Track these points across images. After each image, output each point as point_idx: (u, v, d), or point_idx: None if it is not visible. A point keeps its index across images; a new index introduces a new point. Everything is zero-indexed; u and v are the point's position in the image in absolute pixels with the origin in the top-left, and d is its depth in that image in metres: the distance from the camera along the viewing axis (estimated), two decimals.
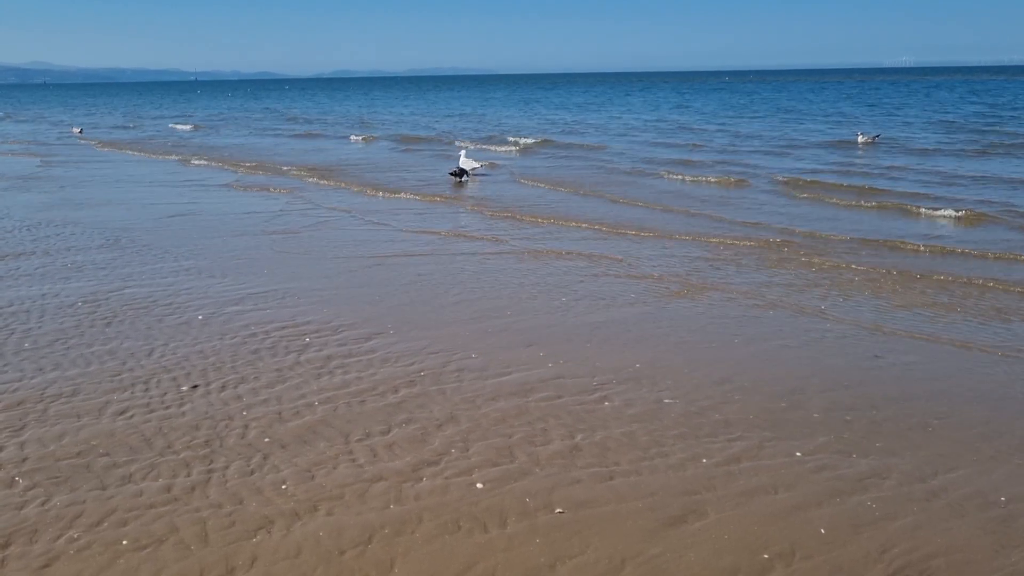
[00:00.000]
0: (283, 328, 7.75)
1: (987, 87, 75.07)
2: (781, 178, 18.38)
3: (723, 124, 36.86)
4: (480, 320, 8.05)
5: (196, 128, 43.20)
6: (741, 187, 17.81)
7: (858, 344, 7.33)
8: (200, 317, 8.09)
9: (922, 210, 14.16)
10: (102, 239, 12.10)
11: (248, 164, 23.59)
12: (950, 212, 13.70)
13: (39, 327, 7.75)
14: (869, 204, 15.12)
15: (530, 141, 29.25)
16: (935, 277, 9.70)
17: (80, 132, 40.51)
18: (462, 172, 19.28)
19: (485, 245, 11.84)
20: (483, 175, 20.26)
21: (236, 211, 15.16)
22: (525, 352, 7.13)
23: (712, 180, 18.61)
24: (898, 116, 39.48)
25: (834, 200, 15.64)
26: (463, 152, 20.72)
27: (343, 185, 18.84)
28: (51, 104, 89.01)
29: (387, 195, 17.12)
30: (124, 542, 4.25)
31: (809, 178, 18.29)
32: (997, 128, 30.38)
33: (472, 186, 18.53)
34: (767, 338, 7.50)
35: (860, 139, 26.39)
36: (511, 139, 30.04)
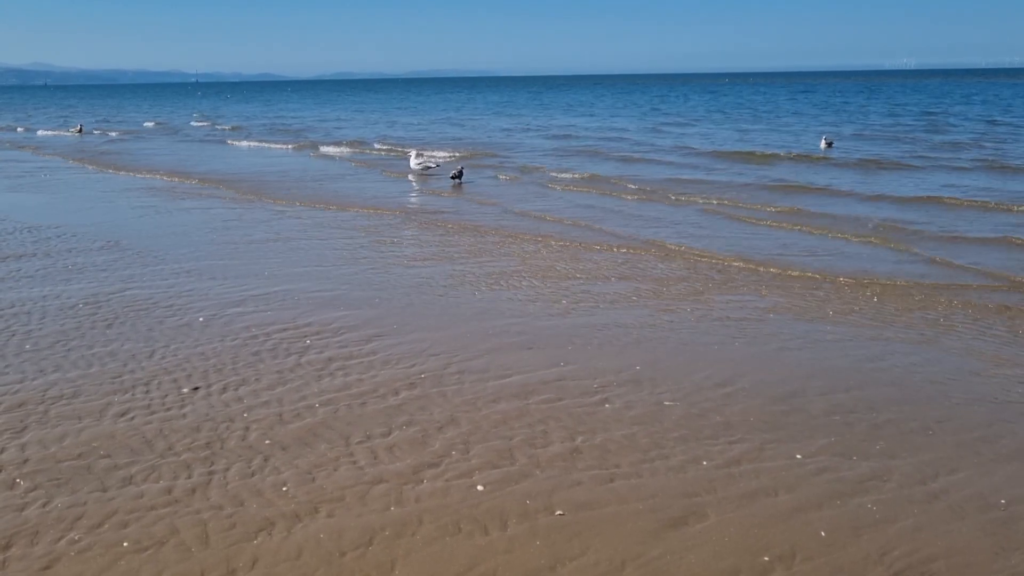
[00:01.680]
0: (284, 330, 7.76)
1: (969, 90, 75.41)
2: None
3: (674, 131, 35.34)
4: (480, 322, 8.05)
5: (123, 134, 40.73)
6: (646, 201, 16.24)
7: (858, 347, 7.34)
8: (201, 319, 8.10)
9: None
10: (103, 241, 12.11)
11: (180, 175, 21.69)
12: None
13: (40, 329, 7.76)
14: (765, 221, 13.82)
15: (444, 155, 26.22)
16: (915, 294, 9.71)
17: (80, 131, 40.49)
18: (460, 173, 19.54)
19: (484, 250, 11.85)
20: (436, 175, 20.87)
21: (176, 220, 15.14)
22: (525, 354, 7.13)
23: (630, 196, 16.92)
24: (860, 121, 38.97)
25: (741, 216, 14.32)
26: (412, 153, 21.66)
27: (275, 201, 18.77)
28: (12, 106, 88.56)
29: (340, 208, 17.08)
30: (125, 544, 4.25)
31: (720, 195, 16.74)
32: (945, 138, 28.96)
33: (429, 192, 18.55)
34: (767, 340, 7.51)
35: (823, 145, 26.31)
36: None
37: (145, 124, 49.07)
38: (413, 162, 20.96)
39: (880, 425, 5.72)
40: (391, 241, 12.31)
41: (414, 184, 19.67)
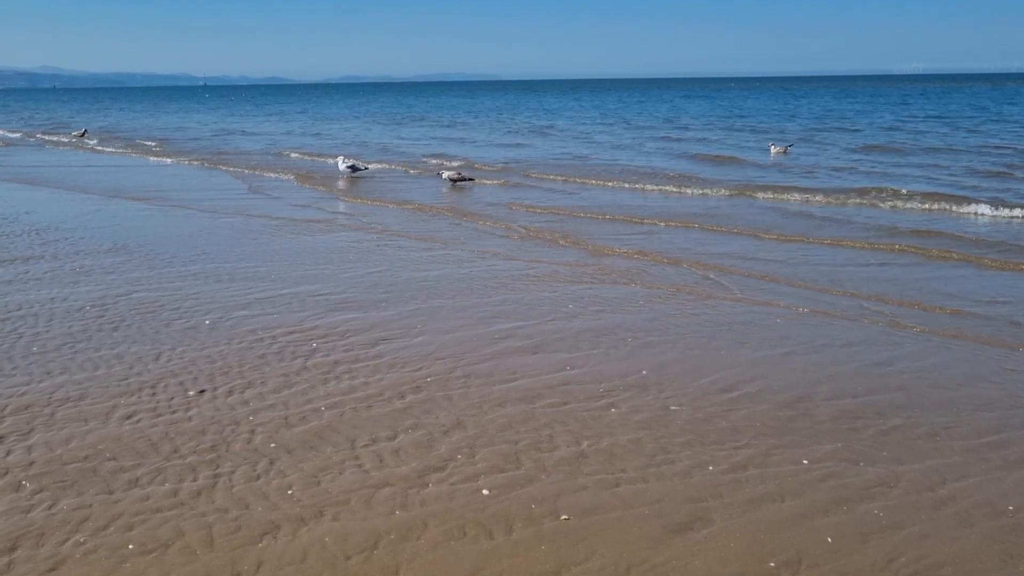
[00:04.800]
0: (290, 333, 7.76)
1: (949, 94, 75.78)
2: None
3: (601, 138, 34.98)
4: (487, 326, 8.05)
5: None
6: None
7: (865, 351, 7.31)
8: (207, 322, 8.11)
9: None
10: (110, 243, 12.15)
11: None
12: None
13: (47, 331, 7.78)
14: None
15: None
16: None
17: (84, 135, 40.62)
18: (460, 177, 19.69)
19: (488, 253, 11.85)
20: (371, 176, 21.67)
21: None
22: (531, 358, 7.13)
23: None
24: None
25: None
26: (341, 157, 22.42)
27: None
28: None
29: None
30: (130, 546, 4.26)
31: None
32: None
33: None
34: (774, 345, 7.48)
35: (773, 151, 26.26)
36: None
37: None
38: (342, 165, 21.63)
39: (887, 431, 5.70)
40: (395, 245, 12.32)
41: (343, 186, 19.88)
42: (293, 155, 28.95)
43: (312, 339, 7.59)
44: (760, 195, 17.71)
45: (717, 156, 25.99)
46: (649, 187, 19.20)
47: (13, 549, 4.23)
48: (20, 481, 4.93)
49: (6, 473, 5.03)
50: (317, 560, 4.16)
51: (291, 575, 4.04)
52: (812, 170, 22.08)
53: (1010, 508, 4.69)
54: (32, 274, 10.12)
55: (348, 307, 8.69)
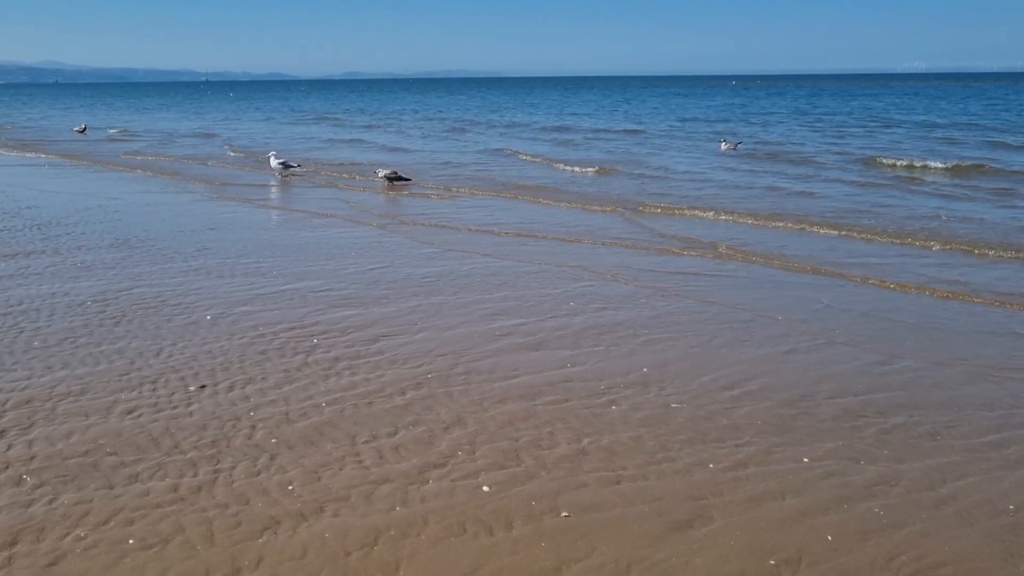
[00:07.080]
0: (291, 329, 7.76)
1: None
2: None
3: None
4: (488, 323, 8.04)
5: None
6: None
7: (867, 351, 7.30)
8: (208, 317, 8.11)
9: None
10: (112, 238, 12.15)
11: None
12: None
13: (48, 326, 7.78)
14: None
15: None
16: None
17: (84, 130, 40.57)
18: (396, 176, 19.22)
19: (492, 253, 11.85)
20: (301, 175, 21.04)
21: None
22: (532, 355, 7.12)
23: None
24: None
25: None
26: (272, 154, 21.65)
27: None
28: None
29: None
30: (130, 541, 4.26)
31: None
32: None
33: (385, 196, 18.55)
34: (776, 343, 7.48)
35: (723, 146, 26.55)
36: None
37: None
38: (274, 163, 20.92)
39: (888, 430, 5.69)
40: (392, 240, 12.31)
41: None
42: (139, 158, 26.75)
43: (313, 335, 7.59)
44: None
45: (603, 168, 22.11)
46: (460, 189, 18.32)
47: (13, 543, 4.23)
48: (21, 475, 4.93)
49: (7, 467, 5.03)
50: (317, 556, 4.16)
51: (291, 571, 4.04)
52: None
53: (1011, 507, 4.69)
54: (33, 269, 10.13)
55: (349, 303, 8.70)
